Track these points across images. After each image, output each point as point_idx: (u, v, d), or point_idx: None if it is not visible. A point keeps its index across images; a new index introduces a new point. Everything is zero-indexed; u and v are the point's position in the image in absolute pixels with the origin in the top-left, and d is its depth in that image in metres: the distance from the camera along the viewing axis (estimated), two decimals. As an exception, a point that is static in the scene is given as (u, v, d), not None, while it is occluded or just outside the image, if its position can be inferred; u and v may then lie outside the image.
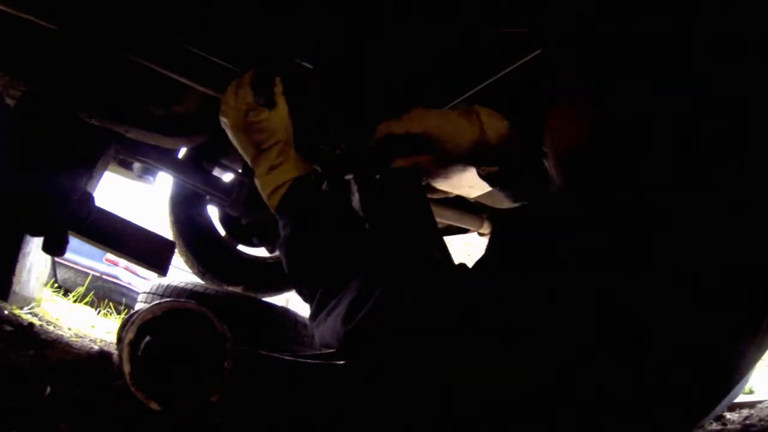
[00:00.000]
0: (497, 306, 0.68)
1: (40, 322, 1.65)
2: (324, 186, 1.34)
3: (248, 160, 1.01)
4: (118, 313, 3.25)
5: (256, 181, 1.00)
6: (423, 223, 1.06)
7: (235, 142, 1.01)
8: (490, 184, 1.09)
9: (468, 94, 1.16)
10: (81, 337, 1.76)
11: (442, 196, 1.24)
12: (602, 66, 0.72)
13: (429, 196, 1.18)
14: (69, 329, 1.83)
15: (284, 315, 2.08)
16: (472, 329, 0.68)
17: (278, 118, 0.97)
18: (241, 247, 2.26)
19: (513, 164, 1.04)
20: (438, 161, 1.04)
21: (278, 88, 0.99)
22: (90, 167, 1.28)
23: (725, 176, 0.62)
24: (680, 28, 0.66)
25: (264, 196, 0.99)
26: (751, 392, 4.23)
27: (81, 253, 5.46)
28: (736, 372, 0.66)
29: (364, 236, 0.96)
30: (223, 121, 1.01)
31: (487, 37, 1.06)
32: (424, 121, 1.02)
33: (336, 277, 0.87)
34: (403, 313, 0.74)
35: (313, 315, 0.89)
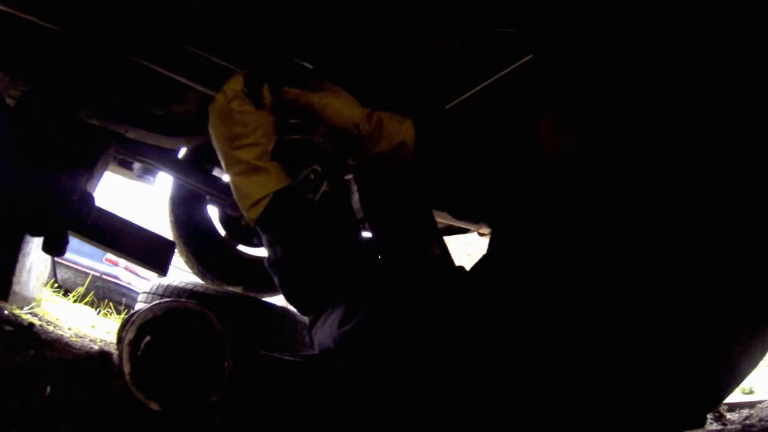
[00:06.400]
0: (487, 323, 0.68)
1: (40, 322, 1.65)
2: (319, 191, 1.34)
3: (219, 156, 0.93)
4: (118, 313, 3.25)
5: (231, 183, 0.92)
6: (423, 223, 1.06)
7: (212, 133, 0.93)
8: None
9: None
10: (81, 337, 1.76)
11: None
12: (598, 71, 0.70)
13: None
14: (69, 329, 1.83)
15: (284, 315, 2.08)
16: (462, 341, 0.68)
17: (261, 119, 0.91)
18: (241, 247, 2.26)
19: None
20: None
21: (267, 96, 0.93)
22: (90, 167, 1.28)
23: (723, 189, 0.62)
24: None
25: (241, 205, 0.91)
26: (751, 392, 4.23)
27: (81, 253, 5.45)
28: (734, 373, 0.66)
29: (356, 246, 0.93)
30: (210, 110, 0.94)
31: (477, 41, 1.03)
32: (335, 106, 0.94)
33: (333, 298, 0.85)
34: (394, 322, 0.74)
35: (311, 325, 0.89)
